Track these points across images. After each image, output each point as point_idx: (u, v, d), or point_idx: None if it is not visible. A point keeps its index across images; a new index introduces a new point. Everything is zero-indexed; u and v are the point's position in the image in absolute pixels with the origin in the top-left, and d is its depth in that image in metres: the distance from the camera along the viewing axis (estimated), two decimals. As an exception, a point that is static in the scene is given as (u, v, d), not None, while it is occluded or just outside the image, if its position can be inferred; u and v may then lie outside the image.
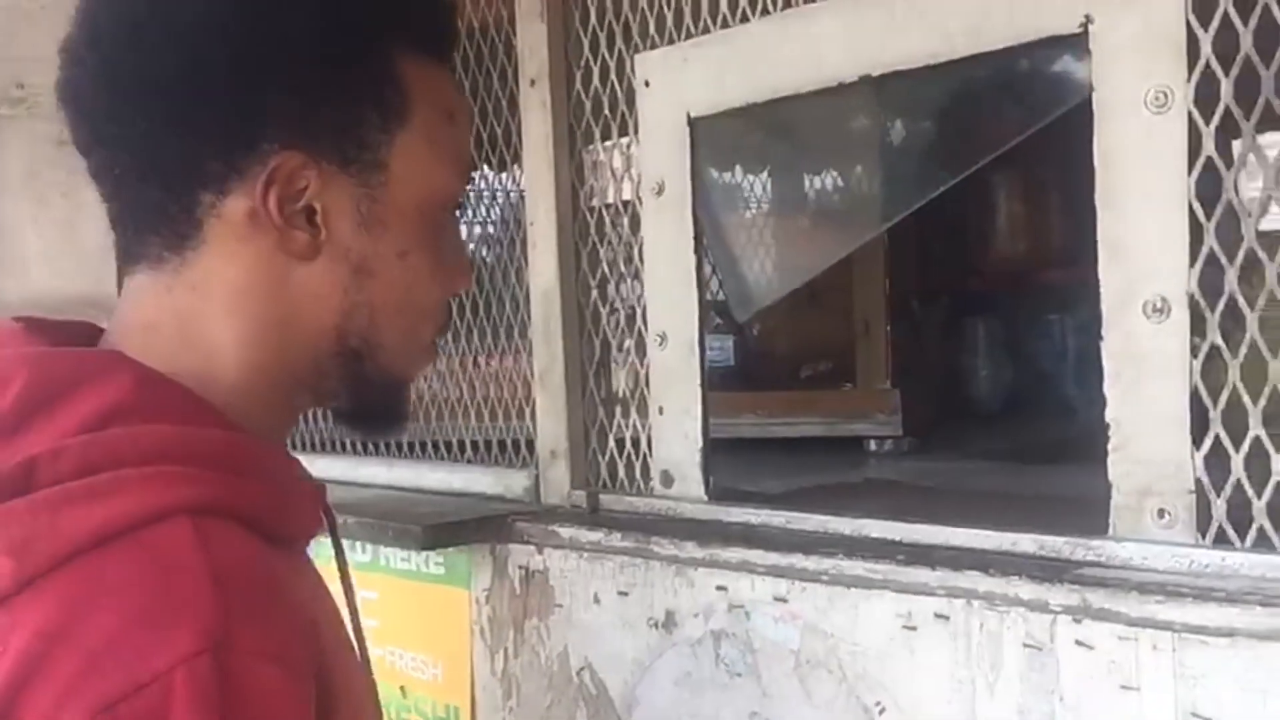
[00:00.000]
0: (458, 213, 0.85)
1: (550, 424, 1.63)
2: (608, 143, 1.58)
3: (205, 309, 0.76)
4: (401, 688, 1.71)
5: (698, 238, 1.46)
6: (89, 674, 0.60)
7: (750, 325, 2.65)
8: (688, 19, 1.46)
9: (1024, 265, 2.85)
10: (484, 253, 1.97)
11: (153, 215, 0.76)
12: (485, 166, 1.84)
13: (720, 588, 1.29)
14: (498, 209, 1.89)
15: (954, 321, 2.89)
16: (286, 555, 0.75)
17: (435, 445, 1.94)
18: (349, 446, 2.07)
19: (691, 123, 1.44)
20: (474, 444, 1.86)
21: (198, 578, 0.64)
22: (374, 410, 0.85)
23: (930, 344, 2.90)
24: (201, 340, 0.76)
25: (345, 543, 1.78)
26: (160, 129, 0.74)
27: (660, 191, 1.49)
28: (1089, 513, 1.12)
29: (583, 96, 1.61)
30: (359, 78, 0.77)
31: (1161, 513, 1.05)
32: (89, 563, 0.64)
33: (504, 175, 1.79)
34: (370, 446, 2.03)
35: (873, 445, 2.28)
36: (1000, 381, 2.86)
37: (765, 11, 1.36)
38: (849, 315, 2.64)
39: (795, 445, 2.22)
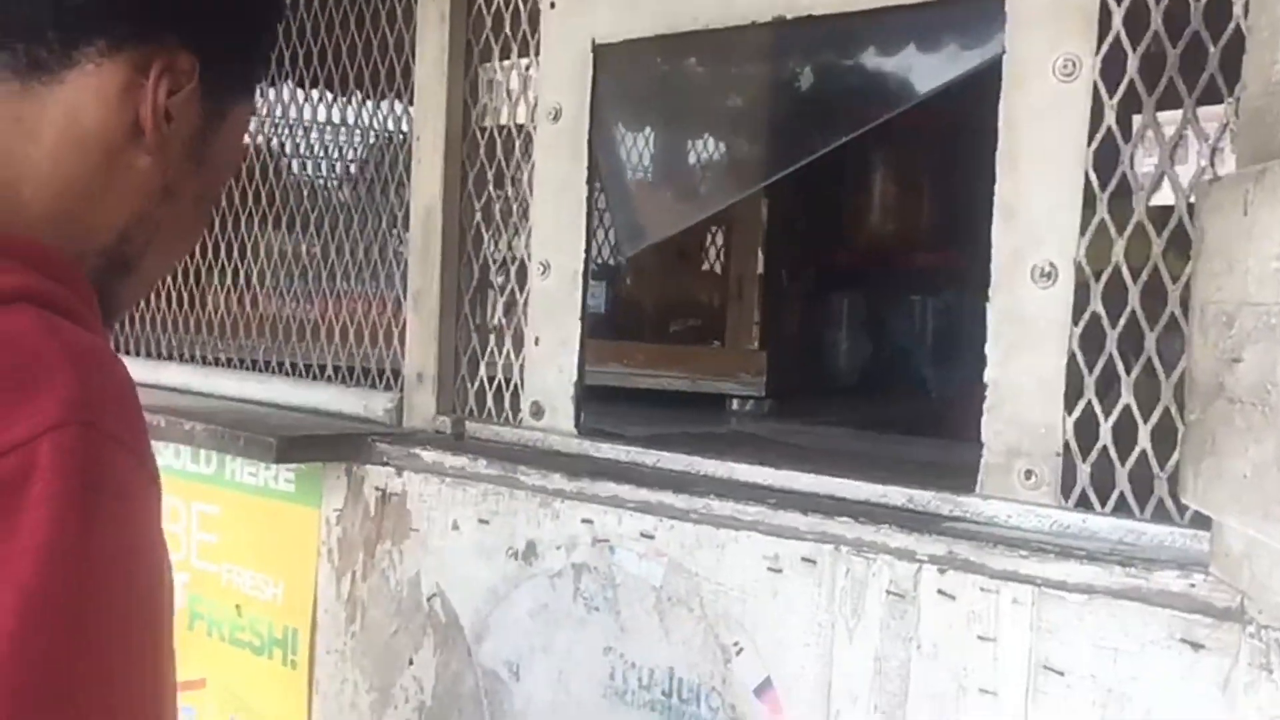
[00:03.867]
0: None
1: (419, 347, 1.58)
2: (505, 62, 1.53)
3: (23, 146, 0.72)
4: (237, 606, 1.65)
5: (591, 168, 1.42)
6: None
7: (623, 276, 2.64)
8: (602, -59, 1.42)
9: (892, 246, 2.91)
10: (364, 167, 1.90)
11: (20, 29, 0.71)
12: (370, 75, 1.77)
13: (586, 521, 1.27)
14: (380, 120, 1.82)
15: (820, 293, 2.94)
16: None
17: (295, 366, 1.87)
18: (199, 357, 1.98)
19: (596, 49, 1.40)
20: (335, 368, 1.80)
21: (52, 356, 0.61)
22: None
23: (795, 313, 2.94)
24: (3, 172, 0.72)
25: (185, 453, 1.71)
26: None
27: (556, 118, 1.45)
28: (946, 477, 1.14)
29: (484, 11, 1.55)
30: (261, 41, 0.85)
31: (1029, 474, 1.07)
32: None
33: (392, 85, 1.72)
34: (224, 359, 1.94)
35: (735, 404, 2.30)
36: (859, 356, 2.93)
37: (683, -58, 1.33)
38: (722, 276, 2.65)
39: (657, 398, 2.22)
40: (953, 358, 2.73)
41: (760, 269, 2.66)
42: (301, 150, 2.03)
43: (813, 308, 2.91)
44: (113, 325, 0.85)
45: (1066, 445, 1.05)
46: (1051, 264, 1.06)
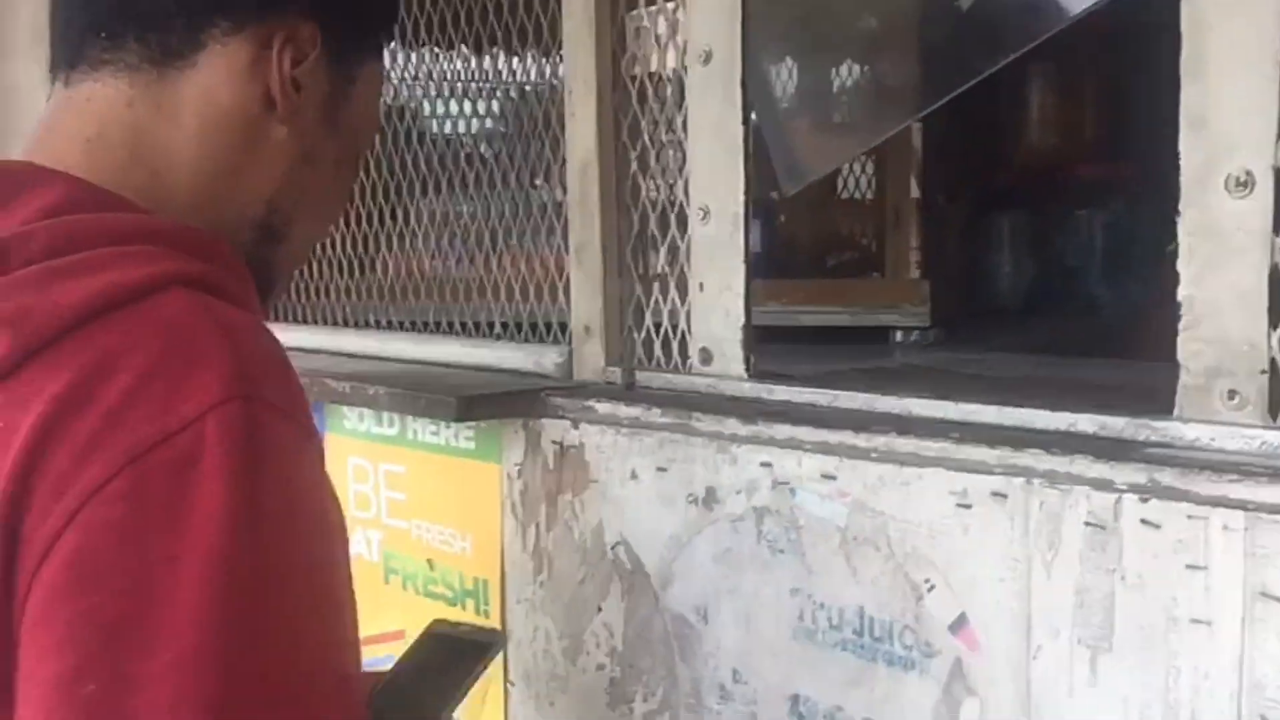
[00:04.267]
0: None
1: (585, 300, 1.60)
2: (652, 7, 1.52)
3: (167, 132, 0.76)
4: (429, 561, 1.71)
5: (745, 109, 1.40)
6: (110, 429, 0.60)
7: (776, 214, 2.61)
8: (744, -126, 1.39)
9: (1055, 160, 2.79)
10: (517, 124, 1.92)
11: (149, 19, 0.76)
12: (519, 31, 1.78)
13: (764, 464, 1.27)
14: (530, 77, 1.83)
15: (981, 215, 2.85)
16: None
17: (463, 325, 1.91)
18: (375, 323, 2.05)
19: (744, -14, 1.38)
20: (503, 325, 1.83)
21: (209, 334, 0.65)
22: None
23: (955, 237, 2.86)
24: (153, 160, 0.76)
25: (368, 416, 1.77)
26: None
27: (707, 60, 1.43)
28: (1134, 400, 1.10)
29: (627, -42, 1.54)
30: (380, 4, 0.88)
31: (1231, 394, 1.02)
32: (93, 332, 0.64)
33: (540, 40, 1.72)
34: (398, 323, 2.00)
35: (899, 336, 2.26)
36: (1025, 277, 2.83)
37: None
38: (877, 205, 2.60)
39: (819, 335, 2.20)
40: (1125, 273, 2.62)
41: (916, 195, 2.60)
42: (455, 113, 2.06)
43: (974, 231, 2.83)
44: (276, 295, 0.88)
45: (1272, 362, 1.00)
46: (1247, 172, 1.00)
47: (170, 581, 0.58)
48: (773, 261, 2.54)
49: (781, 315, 2.24)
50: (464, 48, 2.04)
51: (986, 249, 2.83)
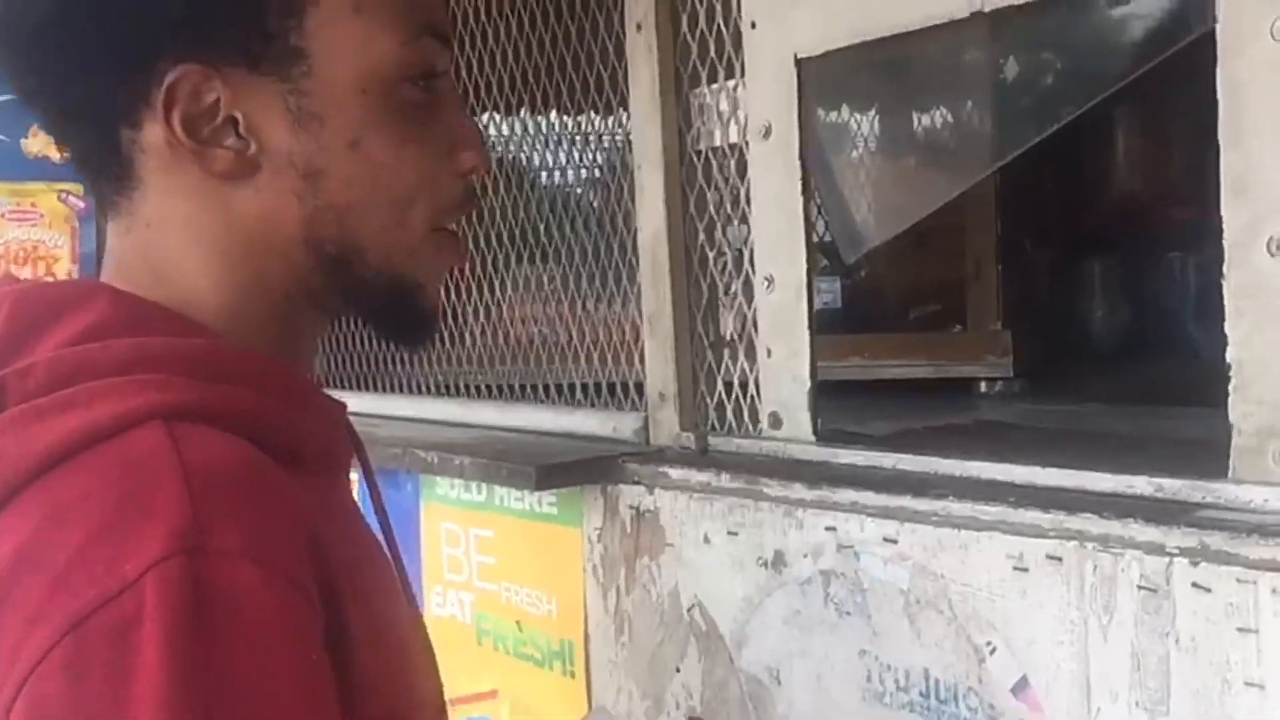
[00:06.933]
0: (437, 81, 0.74)
1: (659, 367, 1.65)
2: (714, 85, 1.58)
3: (165, 243, 0.72)
4: (518, 622, 1.77)
5: (805, 180, 1.45)
6: (56, 593, 0.57)
7: (857, 268, 2.64)
8: (795, -42, 1.44)
9: (1144, 202, 2.77)
10: (590, 198, 1.99)
11: (92, 160, 0.73)
12: (591, 112, 1.85)
13: (829, 528, 1.30)
14: (603, 154, 1.91)
15: (1068, 261, 2.83)
16: (297, 474, 0.67)
17: (546, 388, 1.99)
18: (461, 390, 2.13)
19: (799, 64, 1.43)
20: (583, 387, 1.90)
21: (167, 480, 0.60)
22: (391, 314, 0.77)
23: (1043, 284, 2.85)
24: (172, 274, 0.72)
25: (458, 483, 1.84)
26: (65, 70, 0.70)
27: (767, 134, 1.48)
28: (1210, 455, 1.10)
29: (689, 39, 1.60)
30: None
31: (1284, 455, 1.03)
32: (58, 477, 0.61)
33: (610, 120, 1.80)
34: (483, 389, 2.08)
35: (983, 387, 2.26)
36: (1117, 322, 2.80)
37: (874, -52, 1.34)
38: (959, 257, 2.61)
39: (903, 387, 2.21)
40: (1219, 315, 2.57)
41: (998, 244, 2.60)
42: (529, 191, 2.15)
43: (1062, 277, 2.81)
44: (428, 297, 0.77)
45: (1324, 423, 1.01)
46: (1289, 235, 1.02)
47: None
48: (855, 315, 2.57)
49: (863, 369, 2.26)
50: (544, 117, 2.13)
51: (1075, 295, 2.81)
